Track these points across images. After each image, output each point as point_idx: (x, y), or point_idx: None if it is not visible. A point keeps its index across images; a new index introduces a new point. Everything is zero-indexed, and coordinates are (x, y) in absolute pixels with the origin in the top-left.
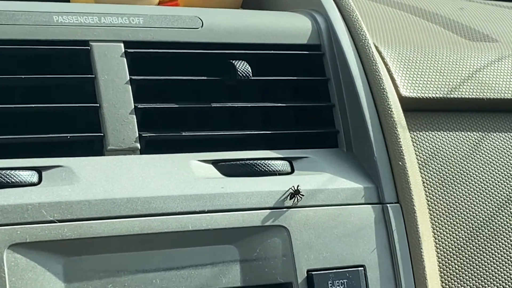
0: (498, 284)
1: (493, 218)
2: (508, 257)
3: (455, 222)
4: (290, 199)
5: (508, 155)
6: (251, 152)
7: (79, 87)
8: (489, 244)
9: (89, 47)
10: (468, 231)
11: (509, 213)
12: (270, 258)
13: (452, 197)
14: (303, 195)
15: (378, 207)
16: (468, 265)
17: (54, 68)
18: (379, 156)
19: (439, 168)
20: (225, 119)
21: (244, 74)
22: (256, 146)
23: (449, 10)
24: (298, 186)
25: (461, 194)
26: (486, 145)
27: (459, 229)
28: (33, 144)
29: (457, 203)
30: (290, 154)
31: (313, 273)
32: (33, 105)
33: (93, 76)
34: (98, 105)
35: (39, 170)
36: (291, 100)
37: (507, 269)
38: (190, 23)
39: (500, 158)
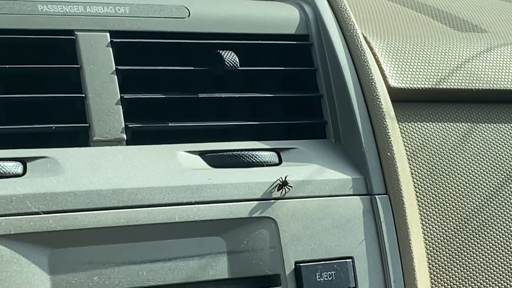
0: (486, 275)
1: (482, 209)
2: (496, 248)
3: (443, 213)
4: (278, 190)
5: (497, 146)
6: (238, 143)
7: (64, 77)
8: (477, 235)
9: (74, 37)
10: (457, 222)
11: (497, 204)
12: (258, 249)
13: (441, 188)
14: (291, 186)
15: (367, 198)
16: (457, 256)
17: (39, 58)
18: (367, 147)
19: (428, 159)
20: (212, 110)
21: (231, 64)
22: (244, 137)
23: (438, 1)
24: (286, 177)
25: (450, 185)
26: (475, 136)
27: (448, 220)
28: (17, 135)
29: (446, 194)
30: (278, 145)
31: (301, 265)
32: (17, 95)
33: (79, 66)
34: (83, 95)
35: (23, 161)
36: (279, 91)
37: (496, 259)
38: (176, 13)
39: (489, 149)
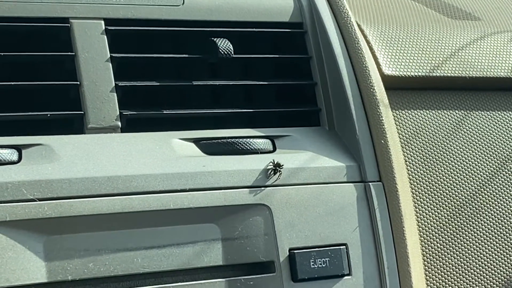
0: (479, 262)
1: (475, 196)
2: (489, 235)
3: (437, 201)
4: (274, 174)
5: (490, 133)
6: (233, 131)
7: (59, 65)
8: (471, 223)
9: (69, 25)
10: (450, 210)
11: (491, 191)
12: (252, 236)
13: (435, 175)
14: (282, 165)
15: (360, 185)
16: (450, 243)
17: (34, 46)
18: (361, 135)
19: (421, 147)
20: (207, 97)
21: (225, 52)
22: (238, 124)
23: None
24: (275, 160)
25: (443, 172)
26: (468, 124)
27: (441, 207)
28: (13, 122)
29: (439, 182)
30: (272, 132)
31: (295, 251)
32: (12, 83)
33: (73, 53)
34: (78, 83)
35: (19, 148)
36: (273, 78)
37: (489, 247)
38: (171, 0)
39: (482, 136)
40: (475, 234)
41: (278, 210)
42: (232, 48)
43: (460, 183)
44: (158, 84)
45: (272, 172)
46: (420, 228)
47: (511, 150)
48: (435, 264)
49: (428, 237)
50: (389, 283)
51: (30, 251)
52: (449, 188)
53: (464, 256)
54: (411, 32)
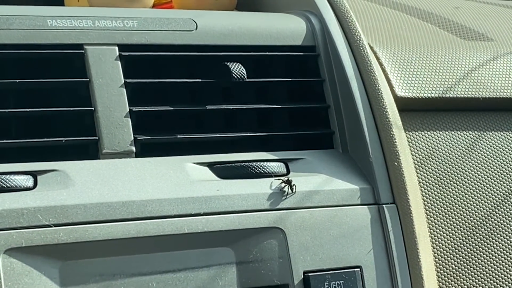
0: (495, 284)
1: (489, 217)
2: (505, 256)
3: (451, 222)
4: (291, 190)
5: (504, 154)
6: (246, 154)
7: (74, 91)
8: (486, 244)
9: (83, 51)
10: (465, 231)
11: (505, 212)
12: (267, 260)
13: (449, 197)
14: (291, 180)
15: (374, 207)
16: (465, 264)
17: (49, 72)
18: (374, 157)
19: (435, 168)
20: (220, 121)
21: (239, 76)
22: (252, 148)
23: (444, 9)
24: (285, 178)
25: (457, 194)
26: (482, 145)
27: (456, 229)
28: (28, 148)
29: (453, 203)
30: (286, 155)
31: (309, 274)
32: (27, 109)
33: (88, 79)
34: (93, 108)
35: (34, 174)
36: (286, 102)
37: (504, 268)
38: (184, 26)
39: (496, 157)
40: (490, 256)
41: (292, 233)
42: (245, 72)
43: (475, 204)
44: (172, 108)
45: (288, 189)
46: (435, 250)
47: None
48: (450, 286)
49: (443, 259)
50: None
51: (46, 276)
52: (464, 210)
53: (479, 278)
54: (424, 54)
